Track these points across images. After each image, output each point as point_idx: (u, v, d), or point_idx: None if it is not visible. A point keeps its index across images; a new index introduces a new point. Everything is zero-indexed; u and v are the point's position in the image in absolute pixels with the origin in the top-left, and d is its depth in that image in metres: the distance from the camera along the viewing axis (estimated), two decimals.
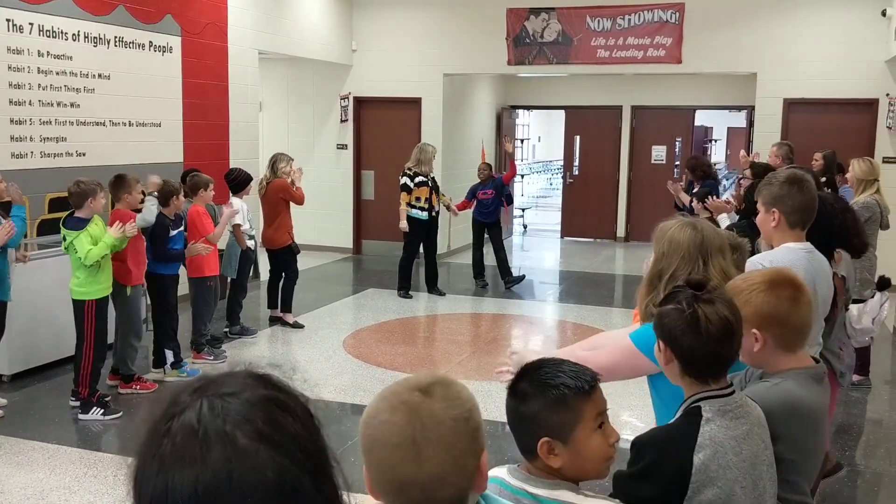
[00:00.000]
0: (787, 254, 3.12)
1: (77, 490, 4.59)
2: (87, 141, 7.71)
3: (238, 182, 7.71)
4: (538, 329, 8.88)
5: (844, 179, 7.71)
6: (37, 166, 7.18)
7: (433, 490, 1.29)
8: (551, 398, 1.73)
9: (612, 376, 2.42)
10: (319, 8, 11.55)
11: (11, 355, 6.22)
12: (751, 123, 13.03)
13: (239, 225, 7.45)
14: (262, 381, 0.92)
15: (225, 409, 0.86)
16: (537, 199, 22.22)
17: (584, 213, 14.73)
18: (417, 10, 12.10)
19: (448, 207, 10.07)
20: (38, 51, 7.18)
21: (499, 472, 1.81)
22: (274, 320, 8.37)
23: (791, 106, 10.99)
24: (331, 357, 7.32)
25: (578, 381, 1.75)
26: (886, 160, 10.05)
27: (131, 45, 8.16)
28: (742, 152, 9.05)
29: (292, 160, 8.34)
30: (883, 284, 4.45)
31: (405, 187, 9.40)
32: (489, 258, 10.49)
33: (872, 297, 4.34)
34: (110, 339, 6.14)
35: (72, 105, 7.53)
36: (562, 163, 16.16)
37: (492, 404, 5.66)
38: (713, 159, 19.80)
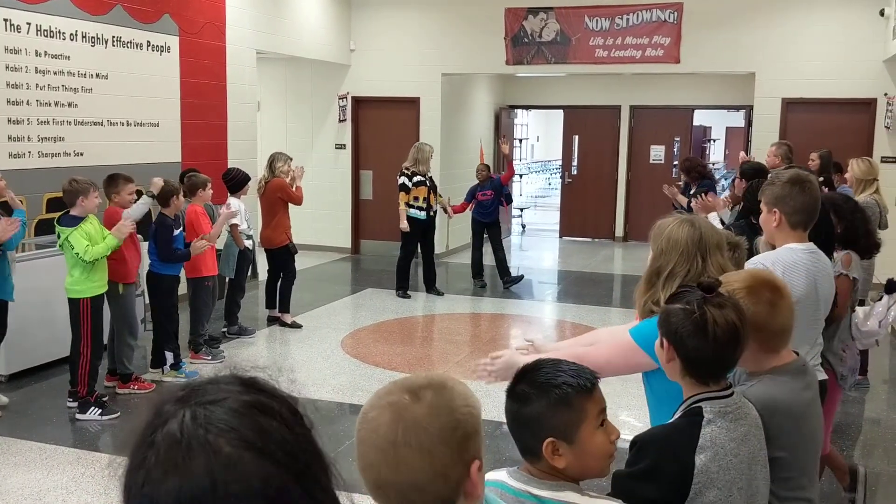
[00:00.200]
0: (789, 254, 3.12)
1: (74, 490, 4.58)
2: (85, 141, 7.70)
3: (236, 182, 7.70)
4: (537, 329, 8.87)
5: (843, 179, 7.71)
6: (34, 166, 7.17)
7: (410, 496, 1.27)
8: (554, 398, 1.72)
9: (610, 372, 2.42)
10: (318, 8, 11.54)
11: (9, 355, 6.22)
12: (749, 123, 13.04)
13: (237, 225, 7.44)
14: (247, 386, 0.91)
15: (208, 417, 0.85)
16: (536, 199, 22.22)
17: (582, 212, 14.73)
18: (415, 10, 12.10)
19: (444, 209, 10.06)
20: (36, 50, 7.17)
21: (498, 475, 1.80)
22: (272, 320, 8.36)
23: (789, 105, 10.99)
24: (329, 357, 7.32)
25: (580, 380, 1.74)
26: (885, 160, 10.05)
27: (129, 44, 8.15)
28: (742, 153, 9.05)
29: (291, 159, 8.34)
30: (891, 287, 4.38)
31: (403, 187, 9.40)
32: (488, 258, 10.49)
33: (880, 299, 4.29)
34: (106, 339, 6.14)
35: (69, 105, 7.52)
36: (560, 163, 16.15)
37: (490, 404, 5.65)
38: (712, 159, 19.83)
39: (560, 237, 15.08)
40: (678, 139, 14.29)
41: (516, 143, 20.25)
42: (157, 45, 8.51)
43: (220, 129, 9.64)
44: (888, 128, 10.42)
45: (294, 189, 8.13)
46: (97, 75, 7.80)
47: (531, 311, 9.53)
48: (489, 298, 9.92)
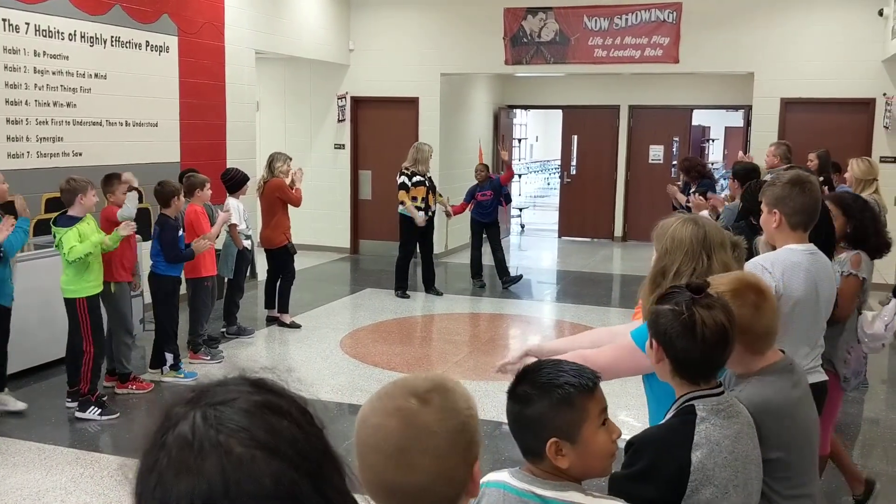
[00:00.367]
0: (788, 255, 3.12)
1: (73, 491, 4.58)
2: (84, 141, 7.69)
3: (234, 182, 7.69)
4: (536, 329, 8.87)
5: (842, 179, 7.71)
6: (33, 166, 7.16)
7: (419, 498, 1.28)
8: (556, 398, 1.72)
9: (614, 374, 2.43)
10: (316, 7, 11.54)
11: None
12: (748, 123, 13.04)
13: (235, 225, 7.43)
14: (257, 386, 0.91)
15: (218, 418, 0.85)
16: (535, 199, 22.22)
17: (581, 212, 14.73)
18: (414, 10, 12.10)
19: (445, 210, 10.06)
20: (35, 51, 7.16)
21: (500, 476, 1.79)
22: (271, 320, 8.36)
23: (788, 105, 10.99)
24: (328, 357, 7.31)
25: (582, 379, 1.75)
26: (883, 160, 10.06)
27: (128, 44, 8.14)
28: (740, 153, 9.05)
29: (290, 159, 8.33)
30: None
31: (403, 186, 9.40)
32: (487, 258, 10.49)
33: (888, 302, 4.26)
34: None
35: (68, 105, 7.52)
36: (559, 162, 16.16)
37: (489, 404, 5.66)
38: (711, 159, 19.83)
39: (559, 237, 15.08)
40: (677, 139, 14.30)
41: (515, 143, 20.24)
42: (156, 45, 8.51)
43: (219, 129, 9.63)
44: (887, 128, 10.42)
45: (294, 191, 8.12)
46: (96, 75, 7.80)
47: (530, 311, 9.53)
48: (488, 298, 9.92)
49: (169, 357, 6.52)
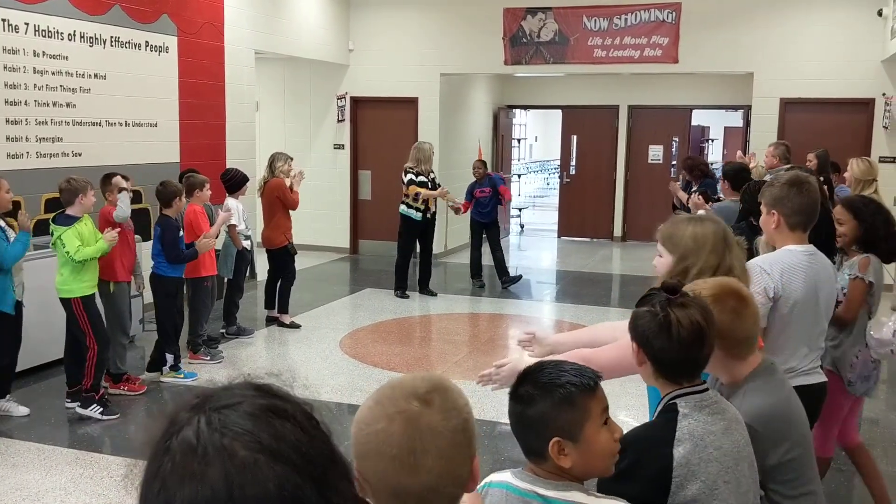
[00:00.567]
0: (787, 257, 3.12)
1: (73, 491, 4.58)
2: (84, 141, 7.69)
3: (234, 182, 7.69)
4: (535, 329, 8.86)
5: (841, 179, 7.71)
6: (33, 167, 7.16)
7: (425, 498, 1.29)
8: (558, 397, 1.73)
9: (619, 373, 2.43)
10: (316, 7, 11.53)
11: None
12: (747, 123, 13.05)
13: (234, 225, 7.43)
14: (262, 391, 0.91)
15: (222, 422, 0.85)
16: (534, 199, 22.22)
17: (580, 212, 14.73)
18: (414, 10, 12.10)
19: (456, 208, 10.02)
20: (34, 51, 7.15)
21: (502, 477, 1.80)
22: (270, 320, 8.36)
23: (787, 105, 11.00)
24: (327, 357, 7.31)
25: (583, 379, 1.76)
26: (882, 160, 10.06)
27: (127, 44, 8.14)
28: (739, 153, 9.06)
29: (291, 159, 8.32)
30: None
31: (411, 181, 9.36)
32: (486, 258, 10.49)
33: None
34: None
35: (68, 105, 7.51)
36: (558, 162, 16.16)
37: (488, 404, 5.66)
38: (710, 159, 19.82)
39: (558, 237, 15.08)
40: (676, 139, 14.30)
41: (514, 142, 20.23)
42: (156, 46, 8.50)
43: (219, 129, 9.63)
44: (886, 128, 10.43)
45: (292, 192, 8.08)
46: (95, 75, 7.79)
47: (530, 311, 9.53)
48: (488, 298, 9.92)
49: (169, 358, 6.52)
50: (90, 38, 7.72)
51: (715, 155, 21.54)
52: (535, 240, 15.48)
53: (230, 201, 7.46)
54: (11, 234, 5.51)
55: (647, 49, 11.29)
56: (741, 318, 2.21)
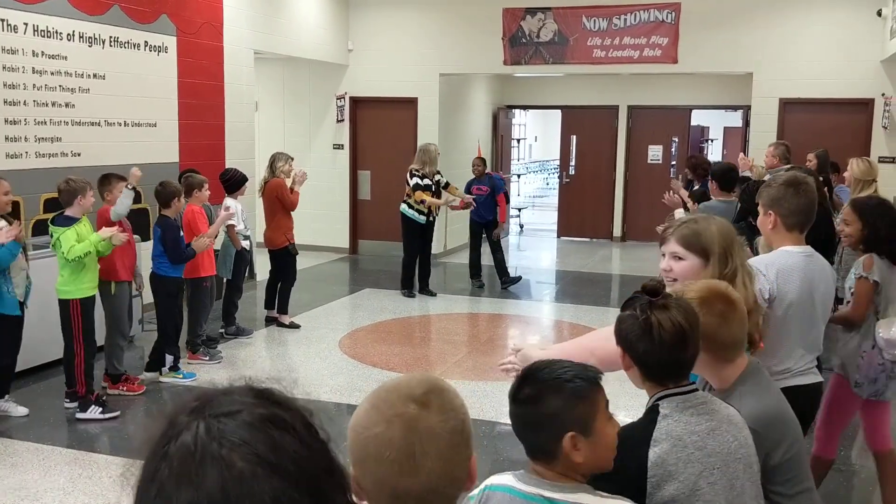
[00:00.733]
0: (785, 257, 3.11)
1: (72, 492, 4.57)
2: (83, 141, 7.68)
3: (233, 182, 7.69)
4: (535, 329, 8.87)
5: (840, 179, 7.71)
6: (32, 167, 7.15)
7: (425, 499, 1.29)
8: (569, 392, 1.73)
9: (618, 366, 2.43)
10: (315, 7, 11.53)
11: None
12: (747, 123, 13.05)
13: (233, 225, 7.42)
14: (262, 397, 0.91)
15: (221, 430, 0.85)
16: (534, 199, 22.23)
17: (580, 212, 14.73)
18: (414, 10, 12.10)
19: (466, 203, 9.98)
20: (33, 51, 7.15)
21: (504, 479, 1.78)
22: (270, 320, 8.35)
23: (787, 106, 11.00)
24: (327, 357, 7.31)
25: (588, 372, 1.77)
26: (882, 160, 10.06)
27: (126, 44, 8.14)
28: (741, 154, 9.07)
29: (292, 159, 8.30)
30: None
31: (417, 186, 9.36)
32: (486, 258, 10.49)
33: None
34: (100, 338, 6.10)
35: (67, 105, 7.51)
36: (558, 162, 16.16)
37: (488, 404, 5.65)
38: (710, 159, 19.82)
39: (558, 237, 15.08)
40: (676, 139, 14.30)
41: (514, 143, 20.22)
42: (155, 46, 8.50)
43: (218, 129, 9.63)
44: (885, 128, 10.43)
45: (291, 193, 8.07)
46: (94, 75, 7.79)
47: (529, 311, 9.53)
48: (487, 299, 9.92)
49: (169, 359, 6.51)
50: (89, 38, 7.71)
51: (715, 155, 21.55)
52: (534, 240, 15.48)
53: (230, 201, 7.46)
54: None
55: (647, 49, 11.29)
56: (728, 321, 2.21)
